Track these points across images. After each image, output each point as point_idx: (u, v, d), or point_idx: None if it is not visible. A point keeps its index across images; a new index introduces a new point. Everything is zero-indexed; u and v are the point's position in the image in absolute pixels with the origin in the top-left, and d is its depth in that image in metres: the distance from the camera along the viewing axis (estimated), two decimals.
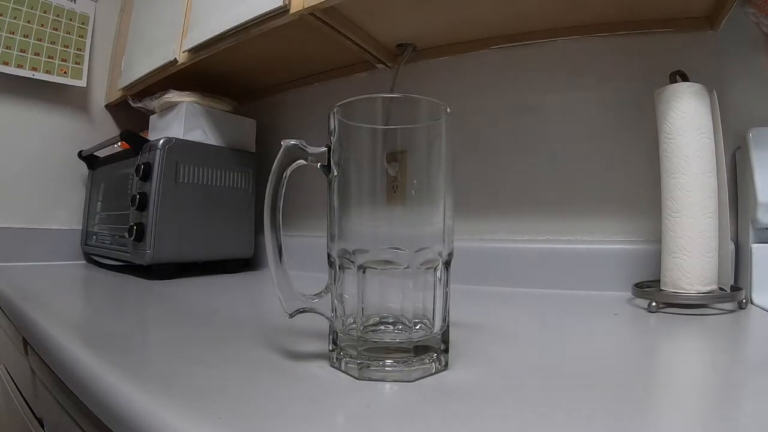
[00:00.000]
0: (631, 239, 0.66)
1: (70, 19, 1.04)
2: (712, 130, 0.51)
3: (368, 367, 0.27)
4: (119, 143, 0.92)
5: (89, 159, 1.04)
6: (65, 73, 1.03)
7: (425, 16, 0.71)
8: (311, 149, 0.30)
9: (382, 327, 0.29)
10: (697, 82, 0.52)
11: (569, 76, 0.71)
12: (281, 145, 0.29)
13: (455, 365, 0.30)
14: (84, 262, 1.06)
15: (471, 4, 0.66)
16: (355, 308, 0.28)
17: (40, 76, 0.99)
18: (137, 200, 0.77)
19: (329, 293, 0.30)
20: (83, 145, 1.06)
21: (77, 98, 1.09)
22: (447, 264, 0.30)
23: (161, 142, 0.79)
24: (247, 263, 0.96)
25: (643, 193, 0.65)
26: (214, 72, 0.94)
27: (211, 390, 0.26)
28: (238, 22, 0.69)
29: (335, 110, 0.29)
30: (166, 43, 0.86)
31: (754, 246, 0.56)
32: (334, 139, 0.29)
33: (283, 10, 0.64)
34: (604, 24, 0.68)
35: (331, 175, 0.30)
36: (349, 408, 0.24)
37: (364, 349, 0.28)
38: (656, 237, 0.58)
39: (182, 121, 0.85)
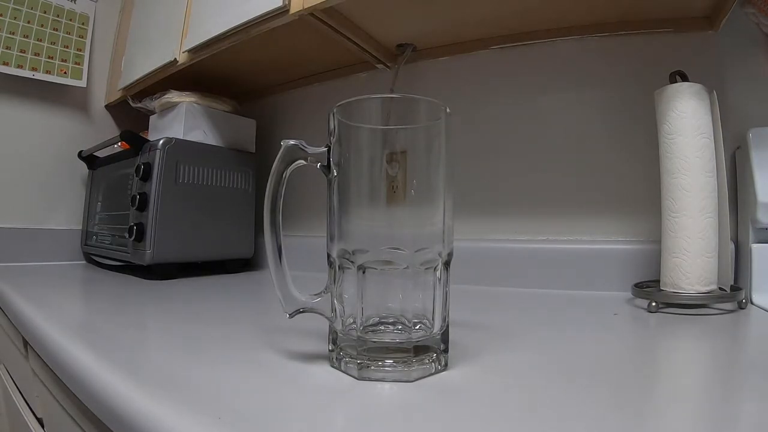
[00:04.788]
0: (631, 239, 0.66)
1: (70, 19, 1.04)
2: (711, 130, 0.51)
3: (368, 367, 0.27)
4: (119, 143, 0.92)
5: (89, 159, 1.04)
6: (65, 73, 1.03)
7: (425, 16, 0.71)
8: (311, 149, 0.30)
9: (382, 327, 0.29)
10: (697, 82, 0.52)
11: (569, 76, 0.71)
12: (281, 145, 0.29)
13: (455, 365, 0.30)
14: (84, 262, 1.06)
15: (471, 4, 0.66)
16: (354, 308, 0.28)
17: (40, 76, 0.99)
18: (137, 200, 0.77)
19: (329, 293, 0.30)
20: (83, 145, 1.06)
21: (77, 98, 1.09)
22: (447, 264, 0.30)
23: (161, 142, 0.79)
24: (247, 263, 0.96)
25: (643, 193, 0.65)
26: (214, 72, 0.94)
27: (210, 390, 0.26)
28: (238, 23, 0.69)
29: (335, 110, 0.29)
30: (166, 44, 0.86)
31: (754, 246, 0.56)
32: (333, 140, 0.29)
33: (283, 11, 0.64)
34: (604, 24, 0.68)
35: (330, 175, 0.30)
36: (348, 408, 0.24)
37: (364, 350, 0.28)
38: (656, 237, 0.58)
39: (182, 121, 0.85)
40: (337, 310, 0.29)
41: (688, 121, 0.51)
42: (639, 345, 0.40)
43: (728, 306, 0.51)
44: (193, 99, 0.87)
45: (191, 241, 0.83)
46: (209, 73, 0.93)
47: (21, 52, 0.97)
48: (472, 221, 0.77)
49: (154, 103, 0.90)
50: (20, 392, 0.63)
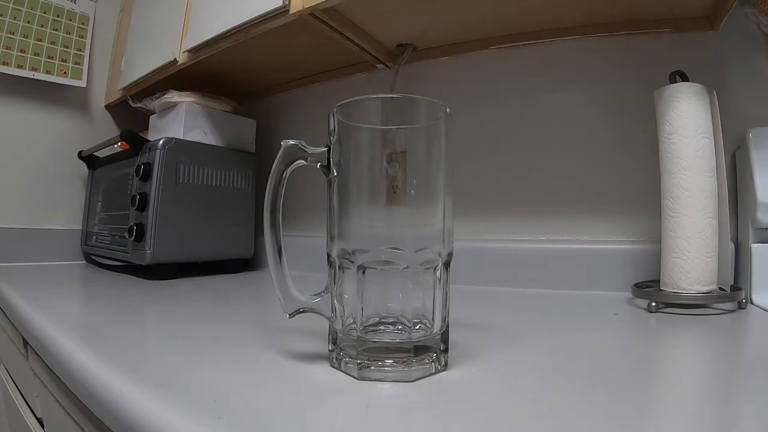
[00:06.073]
0: (631, 239, 0.66)
1: (70, 19, 1.04)
2: (711, 130, 0.51)
3: (368, 367, 0.27)
4: (119, 143, 0.92)
5: (89, 159, 1.04)
6: (65, 73, 1.03)
7: (425, 16, 0.71)
8: (311, 149, 0.30)
9: (382, 327, 0.29)
10: (697, 82, 0.52)
11: (569, 76, 0.71)
12: (281, 145, 0.29)
13: (455, 365, 0.30)
14: (84, 262, 1.06)
15: (471, 4, 0.66)
16: (354, 308, 0.28)
17: (40, 76, 0.99)
18: (137, 200, 0.77)
19: (329, 293, 0.30)
20: (83, 145, 1.06)
21: (77, 98, 1.09)
22: (447, 264, 0.30)
23: (161, 142, 0.79)
24: (247, 263, 0.96)
25: (643, 193, 0.65)
26: (214, 72, 0.94)
27: (210, 390, 0.26)
28: (238, 23, 0.69)
29: (335, 110, 0.29)
30: (166, 43, 0.86)
31: (754, 246, 0.56)
32: (333, 139, 0.29)
33: (282, 11, 0.64)
34: (604, 24, 0.68)
35: (330, 175, 0.30)
36: (348, 408, 0.24)
37: (364, 350, 0.28)
38: (656, 237, 0.58)
39: (182, 121, 0.85)
40: (337, 310, 0.29)
41: (688, 121, 0.51)
42: (639, 345, 0.40)
43: (728, 306, 0.51)
44: (193, 99, 0.87)
45: (191, 241, 0.83)
46: (209, 73, 0.93)
47: (21, 52, 0.97)
48: (472, 221, 0.77)
49: (154, 103, 0.90)
50: (20, 392, 0.63)
